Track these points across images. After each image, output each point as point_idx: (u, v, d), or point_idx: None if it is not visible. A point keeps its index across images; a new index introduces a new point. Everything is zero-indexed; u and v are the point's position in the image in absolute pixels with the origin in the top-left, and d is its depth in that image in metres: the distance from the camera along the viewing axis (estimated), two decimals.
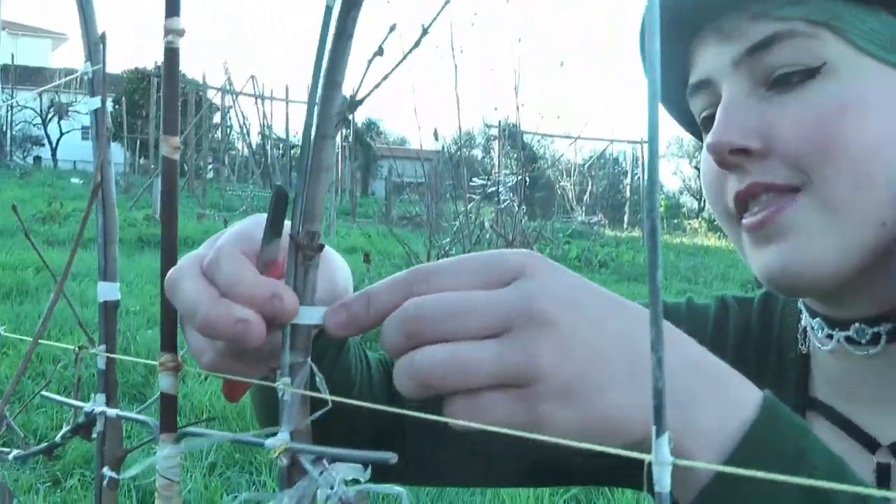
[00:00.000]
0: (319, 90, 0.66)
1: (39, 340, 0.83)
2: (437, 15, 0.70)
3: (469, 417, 0.67)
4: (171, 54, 0.74)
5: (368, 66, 0.67)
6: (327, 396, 0.66)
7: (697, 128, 1.15)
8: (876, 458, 1.04)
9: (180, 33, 0.74)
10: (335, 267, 0.89)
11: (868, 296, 1.01)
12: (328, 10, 0.65)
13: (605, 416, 0.67)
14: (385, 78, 0.74)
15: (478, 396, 0.67)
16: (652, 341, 0.42)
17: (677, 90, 1.14)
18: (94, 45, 0.90)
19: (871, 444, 1.05)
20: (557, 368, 0.66)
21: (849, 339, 1.04)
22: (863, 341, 1.03)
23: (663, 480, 0.41)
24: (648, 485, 0.43)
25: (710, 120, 1.07)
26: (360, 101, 0.68)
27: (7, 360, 5.96)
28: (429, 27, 0.71)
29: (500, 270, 0.71)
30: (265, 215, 0.76)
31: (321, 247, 0.68)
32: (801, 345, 1.15)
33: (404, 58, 0.70)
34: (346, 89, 0.67)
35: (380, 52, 0.66)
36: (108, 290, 0.87)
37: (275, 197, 0.73)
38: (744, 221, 1.01)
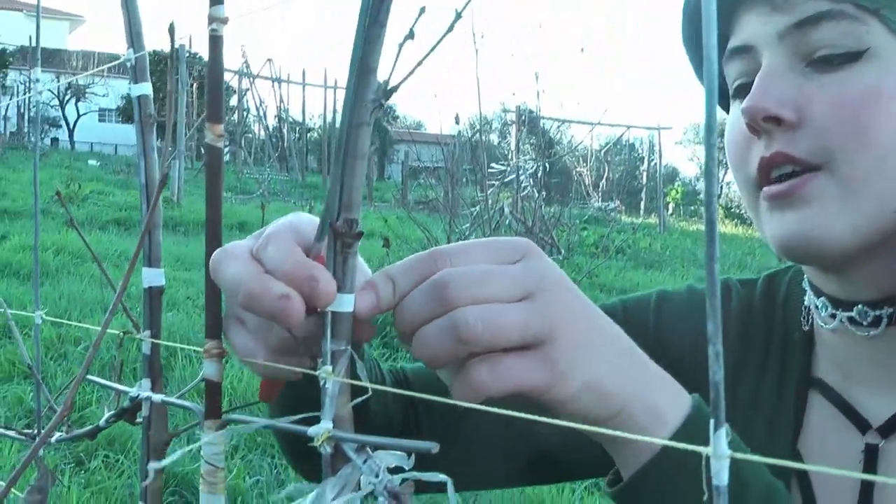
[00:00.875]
0: (354, 78, 0.66)
1: (80, 324, 0.84)
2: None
3: (493, 380, 0.73)
4: (216, 42, 0.75)
5: (400, 50, 0.67)
6: (368, 384, 0.67)
7: (724, 97, 1.15)
8: (865, 440, 1.08)
9: (224, 21, 0.74)
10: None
11: (872, 279, 1.04)
12: None
13: (599, 380, 0.77)
14: (419, 64, 0.74)
15: (501, 359, 0.74)
16: (710, 334, 0.42)
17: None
18: (137, 33, 0.91)
19: (863, 426, 1.09)
20: (569, 328, 0.76)
21: (851, 320, 1.07)
22: (864, 323, 1.06)
23: (722, 474, 0.41)
24: (707, 478, 0.43)
25: (742, 88, 1.08)
26: (395, 88, 0.68)
27: (28, 342, 5.98)
28: (462, 11, 0.71)
29: (509, 250, 0.79)
30: (309, 214, 0.79)
31: (360, 234, 0.68)
32: (805, 324, 1.18)
33: (438, 43, 0.70)
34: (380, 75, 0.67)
35: (411, 35, 0.67)
36: (152, 276, 0.88)
37: None
38: (765, 189, 1.03)
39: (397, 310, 0.77)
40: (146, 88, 0.92)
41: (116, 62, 0.94)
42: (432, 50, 0.69)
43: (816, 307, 1.13)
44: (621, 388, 0.78)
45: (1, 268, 10.21)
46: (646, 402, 0.79)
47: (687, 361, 1.03)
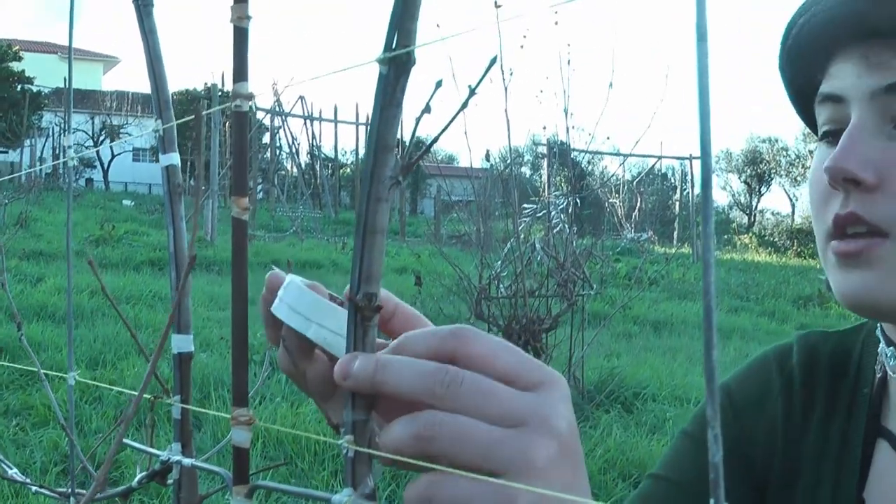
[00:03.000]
0: (372, 155, 0.68)
1: (114, 388, 0.86)
2: (484, 76, 0.72)
3: (432, 484, 0.67)
4: (240, 118, 0.76)
5: (417, 124, 0.69)
6: (389, 455, 0.68)
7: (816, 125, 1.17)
8: None
9: (248, 97, 0.76)
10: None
11: None
12: (381, 76, 0.67)
13: None
14: (435, 140, 0.76)
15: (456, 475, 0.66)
16: (709, 417, 0.43)
17: (806, 91, 1.16)
18: (165, 102, 0.93)
19: None
20: (546, 468, 0.67)
21: None
22: None
23: None
24: None
25: (830, 134, 1.10)
26: (412, 165, 0.70)
27: (63, 388, 6.01)
28: (476, 87, 0.72)
29: (535, 371, 0.71)
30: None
31: (379, 308, 0.69)
32: (878, 372, 1.19)
33: (451, 120, 0.72)
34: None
35: (427, 109, 0.68)
36: (182, 343, 0.90)
37: None
38: (834, 244, 1.06)
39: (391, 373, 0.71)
40: (174, 159, 0.94)
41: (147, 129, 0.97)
42: (446, 127, 0.71)
43: (886, 356, 1.15)
44: None
45: (36, 310, 10.28)
46: None
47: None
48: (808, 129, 1.20)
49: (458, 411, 0.67)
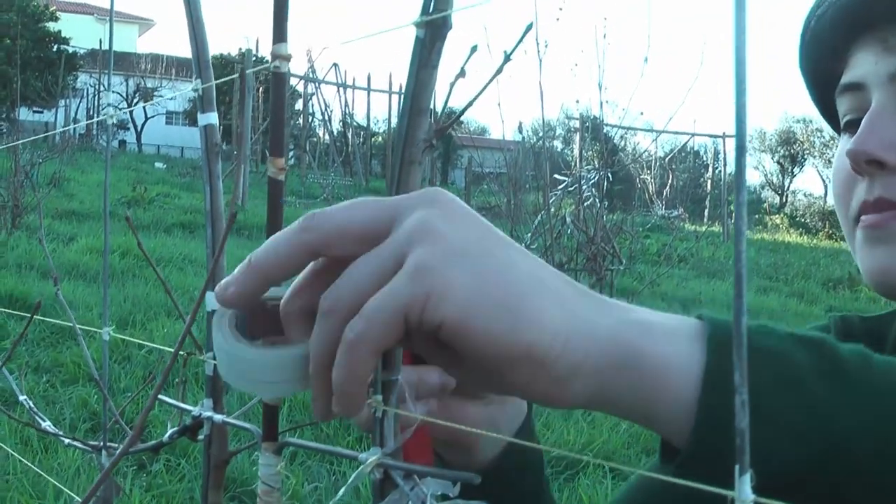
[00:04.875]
0: (406, 117, 0.69)
1: (146, 344, 0.88)
2: (520, 42, 0.73)
3: (359, 324, 0.62)
4: (279, 79, 0.78)
5: (451, 88, 0.70)
6: (417, 415, 0.70)
7: (837, 121, 1.17)
8: None
9: (287, 58, 0.77)
10: None
11: None
12: (417, 40, 0.68)
13: (507, 291, 0.62)
14: (469, 105, 0.77)
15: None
16: (736, 383, 0.44)
17: (826, 86, 1.16)
18: (205, 63, 0.95)
19: None
20: (441, 237, 0.63)
21: None
22: None
23: None
24: None
25: (852, 124, 1.10)
26: (446, 128, 0.71)
27: (94, 345, 6.08)
28: (511, 53, 0.73)
29: (382, 219, 0.66)
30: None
31: None
32: None
33: (486, 85, 0.73)
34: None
35: (462, 74, 0.69)
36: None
37: None
38: (863, 218, 1.05)
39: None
40: (212, 118, 0.96)
41: (227, 78, 0.98)
42: (482, 91, 0.72)
43: None
44: (561, 315, 0.63)
45: (69, 269, 10.36)
46: (622, 340, 0.63)
47: None
48: None
49: (328, 238, 0.66)
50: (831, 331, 1.27)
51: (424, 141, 0.69)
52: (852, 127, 1.08)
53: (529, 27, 0.68)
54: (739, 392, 0.44)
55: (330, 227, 0.66)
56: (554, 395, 0.64)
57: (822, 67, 1.15)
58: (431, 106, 0.71)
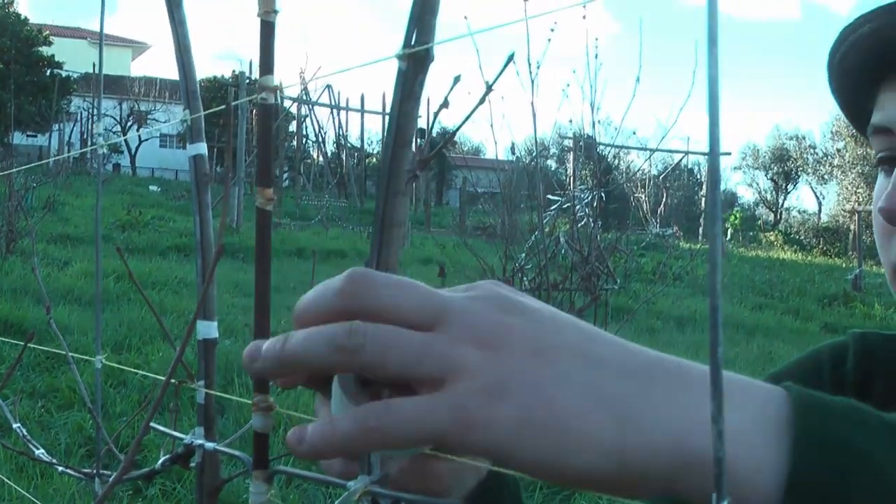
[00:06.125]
0: (390, 149, 0.69)
1: (139, 371, 0.88)
2: (501, 72, 0.74)
3: (382, 421, 0.60)
4: (265, 111, 0.78)
5: (435, 118, 0.71)
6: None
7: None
8: None
9: (274, 90, 0.77)
10: None
11: None
12: (400, 72, 0.68)
13: (553, 414, 0.59)
14: (453, 135, 0.78)
15: (399, 400, 0.61)
16: (712, 413, 0.44)
17: (860, 117, 1.16)
18: (193, 92, 0.95)
19: None
20: (485, 364, 0.60)
21: None
22: None
23: None
24: None
25: (885, 161, 1.09)
26: (429, 159, 0.71)
27: (88, 370, 6.07)
28: (493, 84, 0.74)
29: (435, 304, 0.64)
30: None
31: None
32: None
33: (471, 113, 0.74)
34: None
35: (445, 104, 0.70)
36: (206, 329, 0.92)
37: None
38: None
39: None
40: (202, 148, 0.96)
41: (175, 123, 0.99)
42: (464, 122, 0.72)
43: None
44: (614, 429, 0.59)
45: (63, 294, 10.36)
46: (687, 450, 0.58)
47: None
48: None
49: (367, 365, 0.61)
50: (850, 348, 1.27)
51: (408, 172, 0.70)
52: (885, 163, 1.09)
53: (511, 57, 0.69)
54: (716, 422, 0.44)
55: (375, 307, 0.63)
56: (621, 496, 0.60)
57: (852, 94, 1.15)
58: (420, 131, 0.72)
